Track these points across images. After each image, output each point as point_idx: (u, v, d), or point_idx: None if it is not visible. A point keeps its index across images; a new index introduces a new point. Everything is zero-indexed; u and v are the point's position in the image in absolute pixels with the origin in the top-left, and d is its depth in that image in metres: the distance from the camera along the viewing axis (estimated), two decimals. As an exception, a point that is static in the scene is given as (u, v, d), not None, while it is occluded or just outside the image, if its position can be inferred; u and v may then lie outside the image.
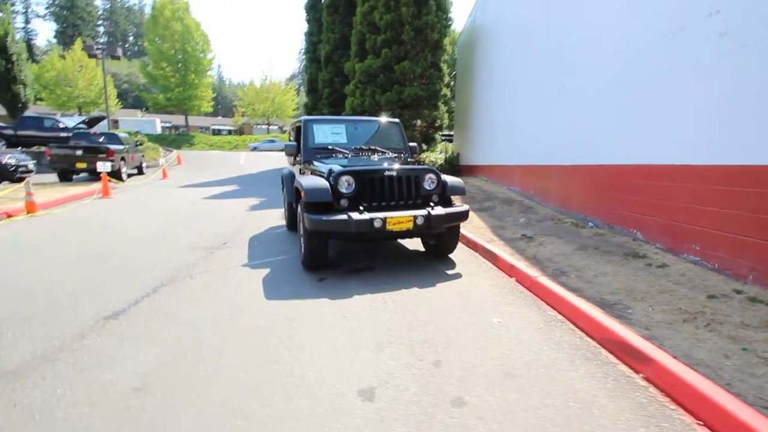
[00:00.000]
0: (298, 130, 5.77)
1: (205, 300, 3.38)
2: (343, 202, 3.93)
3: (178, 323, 2.92)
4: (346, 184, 3.94)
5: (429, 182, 4.22)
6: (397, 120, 5.66)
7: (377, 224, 3.76)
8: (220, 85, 69.47)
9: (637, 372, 2.26)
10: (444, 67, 13.68)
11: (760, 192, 3.19)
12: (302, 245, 4.13)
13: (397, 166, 4.18)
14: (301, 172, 5.19)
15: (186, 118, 37.87)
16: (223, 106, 59.35)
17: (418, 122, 13.87)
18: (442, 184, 4.28)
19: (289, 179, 6.00)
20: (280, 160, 23.02)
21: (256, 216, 7.64)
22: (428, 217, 3.96)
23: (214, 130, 50.92)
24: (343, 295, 3.46)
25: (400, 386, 2.13)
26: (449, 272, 4.14)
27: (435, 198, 4.24)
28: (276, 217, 7.54)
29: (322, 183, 3.95)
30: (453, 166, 15.76)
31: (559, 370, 2.29)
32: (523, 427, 1.83)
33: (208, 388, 2.12)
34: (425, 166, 4.32)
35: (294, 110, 46.51)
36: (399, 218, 3.85)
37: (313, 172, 4.56)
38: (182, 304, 3.30)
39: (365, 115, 13.41)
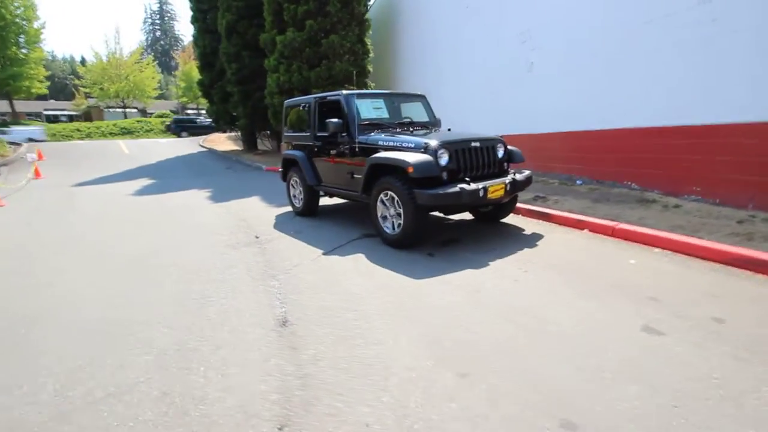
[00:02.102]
0: (321, 107, 5.34)
1: (357, 290, 3.11)
2: (444, 175, 3.94)
3: (344, 317, 2.68)
4: (445, 157, 3.95)
5: (501, 151, 4.48)
6: (422, 94, 5.67)
7: (481, 194, 3.90)
8: (52, 62, 55.77)
9: (764, 274, 3.00)
10: (368, 42, 13.63)
11: (759, 142, 4.32)
12: (403, 221, 3.97)
13: (476, 136, 4.32)
14: (342, 152, 4.89)
15: (11, 103, 29.73)
16: (54, 86, 47.90)
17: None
18: (508, 153, 4.58)
19: (306, 161, 5.57)
20: (174, 148, 20.14)
21: (237, 207, 6.84)
22: (514, 183, 4.26)
23: (48, 116, 41.06)
24: (481, 265, 3.56)
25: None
26: (526, 233, 4.53)
27: (505, 165, 4.54)
28: (258, 205, 6.91)
29: (426, 157, 3.87)
30: None
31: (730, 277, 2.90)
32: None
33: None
34: (494, 136, 4.55)
35: (156, 89, 40.38)
36: (495, 186, 4.04)
37: (376, 149, 4.37)
38: (345, 303, 2.99)
39: (294, 92, 12.70)
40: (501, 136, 4.56)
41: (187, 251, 4.39)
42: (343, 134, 4.82)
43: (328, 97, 5.28)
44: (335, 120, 4.77)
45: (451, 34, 10.22)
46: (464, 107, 9.50)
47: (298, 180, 5.85)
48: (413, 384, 1.95)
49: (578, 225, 4.57)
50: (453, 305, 2.79)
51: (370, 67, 14.09)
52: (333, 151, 5.11)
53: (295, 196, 6.09)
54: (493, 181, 4.10)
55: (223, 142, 21.53)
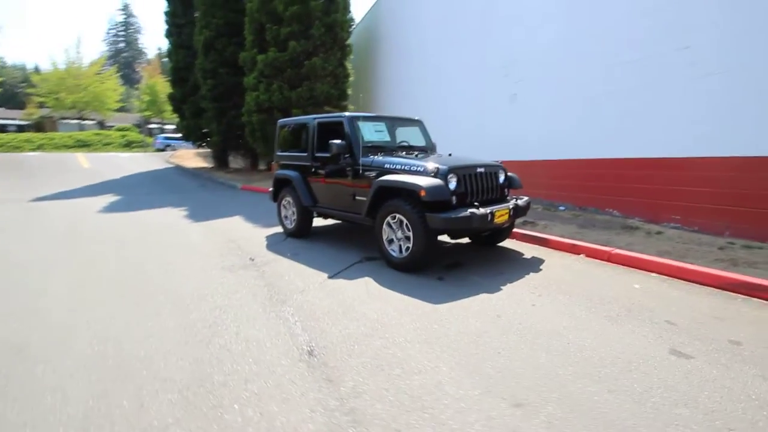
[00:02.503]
0: (321, 128, 5.30)
1: (376, 315, 3.02)
2: (453, 199, 3.98)
3: (372, 345, 2.61)
4: (454, 181, 4.00)
5: (502, 176, 4.60)
6: (419, 118, 5.76)
7: (489, 218, 3.96)
8: (2, 68, 52.27)
9: (758, 298, 3.21)
10: (348, 66, 13.81)
11: (733, 175, 4.69)
12: (412, 244, 3.94)
13: (479, 162, 4.42)
14: (344, 174, 4.84)
15: (-49, 109, 27.41)
16: (3, 93, 44.78)
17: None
18: (508, 179, 4.71)
19: (301, 181, 5.48)
20: (138, 163, 19.22)
21: (220, 226, 6.60)
22: (516, 208, 4.37)
23: (-8, 125, 38.18)
24: (494, 289, 3.57)
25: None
26: (526, 257, 4.62)
27: (506, 191, 4.66)
28: (243, 226, 6.70)
29: (438, 181, 3.90)
30: None
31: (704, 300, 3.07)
32: None
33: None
34: (496, 162, 4.67)
35: (118, 102, 38.76)
36: (501, 211, 4.13)
37: (382, 172, 4.37)
38: (359, 332, 2.89)
39: (274, 111, 12.62)
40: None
41: (180, 274, 4.13)
42: (346, 156, 4.79)
43: (330, 119, 5.25)
44: (339, 141, 4.74)
45: (434, 62, 10.55)
46: (448, 134, 9.74)
47: (291, 200, 5.72)
48: (469, 415, 1.89)
49: (573, 250, 4.73)
50: (480, 332, 2.76)
51: (349, 90, 14.24)
52: (331, 173, 5.07)
53: (286, 217, 5.94)
54: (499, 206, 4.20)
55: (191, 158, 20.81)
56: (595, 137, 6.33)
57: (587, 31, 6.39)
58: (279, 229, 6.34)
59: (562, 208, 6.90)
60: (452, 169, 4.02)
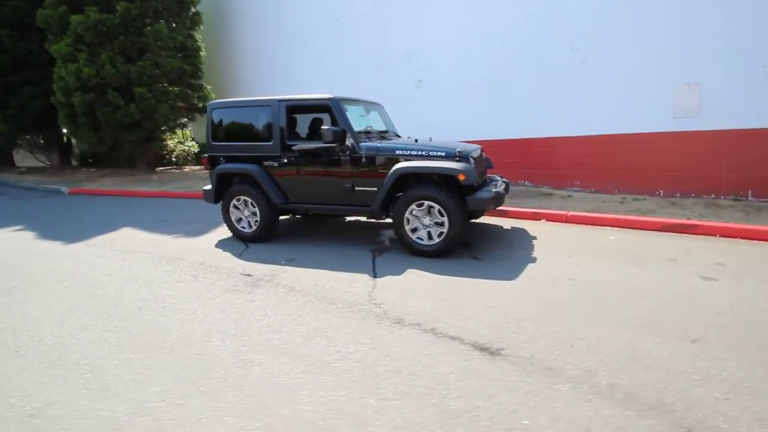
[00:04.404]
0: (291, 112, 4.55)
1: (504, 305, 2.97)
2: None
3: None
4: (473, 163, 4.13)
5: (487, 160, 4.97)
6: (379, 102, 5.53)
7: (504, 197, 4.31)
8: None
9: (685, 233, 4.56)
10: (198, 38, 11.86)
11: (612, 148, 6.28)
12: (448, 229, 3.90)
13: (470, 145, 4.66)
14: (337, 163, 4.37)
15: None
16: None
17: (180, 104, 11.59)
18: (487, 159, 5.11)
19: (265, 176, 4.68)
20: None
21: (130, 244, 5.08)
22: (507, 187, 4.83)
23: None
24: (528, 259, 3.94)
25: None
26: (507, 228, 5.17)
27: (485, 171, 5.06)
28: (157, 239, 5.37)
29: (467, 165, 3.95)
30: None
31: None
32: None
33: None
34: (478, 145, 4.97)
35: None
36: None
37: (395, 158, 4.14)
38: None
39: (107, 90, 10.03)
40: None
41: (193, 316, 3.06)
42: (334, 143, 4.30)
43: (306, 101, 4.57)
44: (333, 127, 4.22)
45: (320, 46, 10.08)
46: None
47: (250, 200, 4.79)
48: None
49: (535, 217, 5.55)
50: (582, 298, 3.09)
51: (203, 68, 12.25)
52: (315, 163, 4.49)
53: (240, 220, 4.95)
54: (502, 185, 4.58)
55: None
56: (503, 121, 7.38)
57: (491, 30, 7.29)
58: (212, 236, 5.27)
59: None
60: (469, 152, 4.17)
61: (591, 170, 6.62)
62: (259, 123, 4.74)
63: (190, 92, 11.45)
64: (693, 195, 5.78)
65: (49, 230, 5.95)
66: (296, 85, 10.24)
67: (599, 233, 4.84)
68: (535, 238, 4.71)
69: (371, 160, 4.27)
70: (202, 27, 11.79)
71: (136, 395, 2.05)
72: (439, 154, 4.10)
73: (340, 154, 4.34)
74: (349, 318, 2.87)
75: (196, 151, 14.19)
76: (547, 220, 5.45)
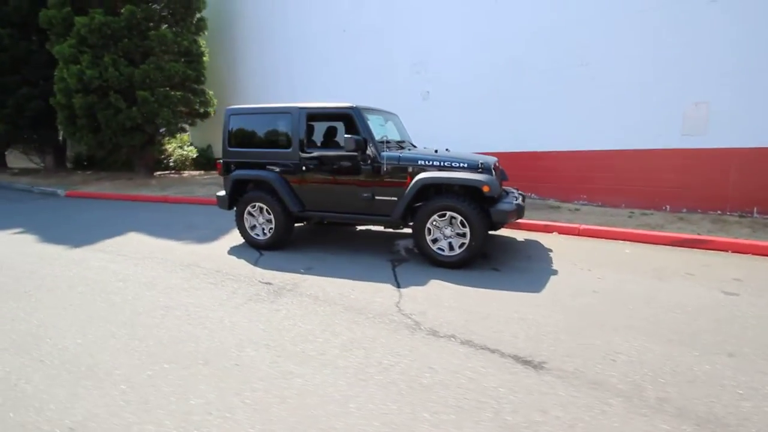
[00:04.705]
0: (310, 120, 4.54)
1: (532, 316, 2.96)
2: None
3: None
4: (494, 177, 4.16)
5: (502, 173, 5.01)
6: (395, 113, 5.55)
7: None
8: None
9: (698, 248, 4.63)
10: (203, 44, 11.83)
11: (619, 163, 6.39)
12: (469, 240, 3.89)
13: (489, 157, 4.69)
14: (357, 172, 4.35)
15: None
16: None
17: (182, 108, 11.50)
18: (502, 172, 5.15)
19: (282, 184, 4.64)
20: None
21: (140, 250, 4.98)
22: (524, 200, 4.86)
23: None
24: (549, 272, 3.95)
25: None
26: (521, 240, 5.19)
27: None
28: (166, 245, 5.27)
29: (490, 176, 3.97)
30: (209, 160, 14.19)
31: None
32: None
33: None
34: (494, 157, 5.00)
35: None
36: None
37: (420, 168, 4.13)
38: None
39: (110, 93, 9.91)
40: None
41: (221, 324, 2.99)
42: (356, 152, 4.29)
43: (327, 110, 4.57)
44: (355, 136, 4.22)
45: (325, 55, 10.12)
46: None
47: (265, 207, 4.74)
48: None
49: (546, 229, 5.59)
50: (611, 311, 3.11)
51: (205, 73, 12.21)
52: (334, 172, 4.47)
53: (254, 227, 4.89)
54: (519, 197, 4.61)
55: None
56: (510, 134, 7.47)
57: (499, 43, 7.41)
58: (223, 243, 5.20)
59: (483, 194, 7.89)
60: (490, 164, 4.19)
61: (598, 184, 6.72)
62: (278, 130, 4.72)
63: (192, 97, 11.37)
64: (699, 211, 5.89)
65: (50, 233, 5.80)
66: (299, 94, 10.25)
67: (613, 247, 4.88)
68: (551, 250, 4.73)
69: (393, 169, 4.27)
70: (206, 32, 11.78)
71: (179, 408, 1.98)
72: (461, 165, 4.12)
73: (362, 163, 4.33)
74: (382, 329, 2.83)
75: (195, 156, 14.07)
76: (559, 233, 5.49)
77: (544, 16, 6.90)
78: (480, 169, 4.07)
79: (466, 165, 4.11)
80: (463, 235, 3.99)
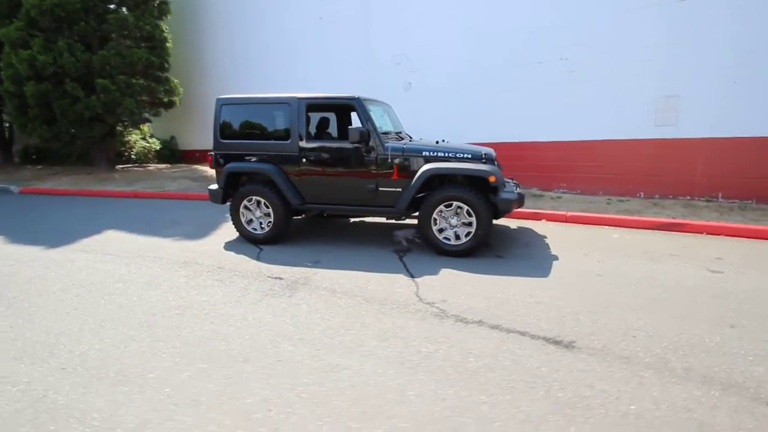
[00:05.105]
0: (310, 111, 4.44)
1: (556, 301, 3.10)
2: (499, 183, 4.27)
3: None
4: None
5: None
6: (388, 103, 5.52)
7: (522, 197, 4.49)
8: None
9: (676, 231, 5.00)
10: (165, 28, 11.18)
11: (596, 153, 6.74)
12: (475, 229, 3.98)
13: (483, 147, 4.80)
14: (360, 163, 4.32)
15: None
16: None
17: (145, 97, 10.87)
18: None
19: (282, 176, 4.54)
20: None
21: (127, 248, 4.72)
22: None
23: None
24: (550, 257, 4.14)
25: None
26: (514, 228, 5.37)
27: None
28: (157, 243, 5.06)
29: (495, 167, 4.09)
30: (173, 152, 13.56)
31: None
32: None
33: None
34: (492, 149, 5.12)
35: None
36: (519, 190, 4.71)
37: (425, 159, 4.17)
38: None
39: (65, 80, 9.23)
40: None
41: (253, 326, 2.90)
42: (360, 143, 4.27)
43: (329, 100, 4.50)
44: (359, 127, 4.19)
45: (300, 44, 9.86)
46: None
47: (262, 200, 4.61)
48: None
49: (535, 216, 5.82)
50: (619, 292, 3.31)
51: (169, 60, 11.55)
52: (336, 163, 4.43)
53: (251, 221, 4.75)
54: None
55: None
56: (493, 124, 7.66)
57: (481, 36, 7.54)
58: (215, 239, 5.06)
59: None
60: (493, 155, 4.31)
61: (577, 173, 7.07)
62: (275, 120, 4.59)
63: (155, 85, 10.74)
64: (670, 197, 6.36)
65: (17, 234, 5.35)
66: (271, 83, 9.96)
67: (601, 232, 5.18)
68: (545, 237, 4.94)
69: (397, 160, 4.28)
70: (170, 17, 11.11)
71: (234, 407, 1.93)
72: (465, 156, 4.20)
73: (365, 154, 4.31)
74: (410, 318, 2.87)
75: (158, 148, 13.34)
76: (547, 220, 5.74)
77: (527, 12, 7.10)
78: (483, 160, 4.17)
79: (470, 156, 4.20)
80: (469, 224, 4.09)
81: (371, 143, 4.29)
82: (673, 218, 5.32)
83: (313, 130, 5.14)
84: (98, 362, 2.33)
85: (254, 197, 4.65)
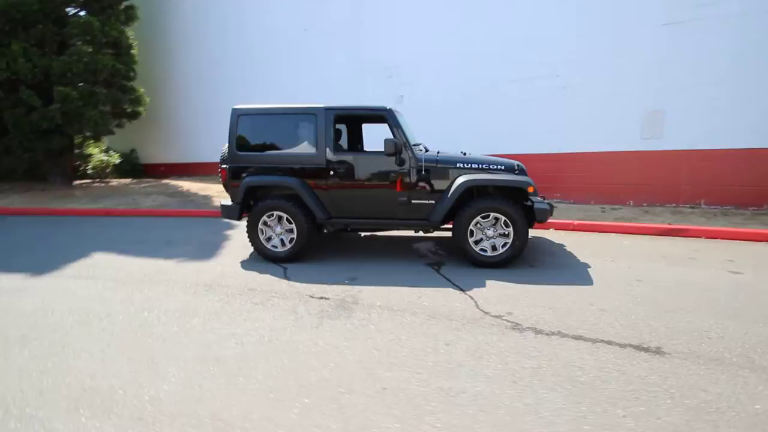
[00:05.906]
0: (338, 122, 4.28)
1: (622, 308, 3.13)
2: (531, 194, 4.34)
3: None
4: (527, 178, 4.34)
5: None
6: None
7: (548, 207, 4.60)
8: None
9: (677, 236, 5.34)
10: (131, 34, 10.50)
11: (588, 164, 7.11)
12: (513, 240, 4.00)
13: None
14: (392, 176, 4.22)
15: None
16: None
17: (107, 107, 10.10)
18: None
19: (307, 190, 4.33)
20: None
21: (132, 276, 4.28)
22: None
23: None
24: (581, 265, 4.25)
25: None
26: (530, 237, 5.46)
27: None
28: (173, 267, 4.66)
29: (528, 178, 4.14)
30: (134, 166, 12.72)
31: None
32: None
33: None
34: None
35: None
36: (540, 200, 4.81)
37: (460, 171, 4.15)
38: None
39: (20, 88, 8.42)
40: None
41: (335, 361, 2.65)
42: (393, 155, 4.17)
43: (358, 110, 4.37)
44: (394, 138, 4.10)
45: (286, 55, 9.63)
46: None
47: (285, 216, 4.35)
48: None
49: (543, 226, 5.97)
50: (668, 297, 3.44)
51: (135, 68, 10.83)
52: (367, 176, 4.29)
53: (270, 238, 4.45)
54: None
55: None
56: (485, 137, 7.85)
57: (474, 51, 7.77)
58: (225, 258, 4.76)
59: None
60: (523, 166, 4.38)
61: (570, 183, 7.40)
62: (300, 132, 4.38)
63: (120, 95, 9.98)
64: (658, 204, 6.82)
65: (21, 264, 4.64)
66: (252, 94, 9.60)
67: (611, 239, 5.41)
68: (563, 245, 5.08)
69: (431, 171, 4.22)
70: (136, 23, 10.43)
71: (374, 445, 1.74)
72: (499, 167, 4.24)
73: (398, 165, 4.21)
74: (489, 333, 2.78)
75: (117, 162, 12.35)
76: (555, 229, 5.92)
77: (521, 29, 7.42)
78: (516, 171, 4.23)
79: (503, 167, 4.25)
80: (506, 234, 4.10)
81: (403, 155, 4.21)
82: (670, 224, 5.69)
83: (344, 142, 4.98)
84: (179, 407, 2.02)
85: (275, 212, 4.37)
